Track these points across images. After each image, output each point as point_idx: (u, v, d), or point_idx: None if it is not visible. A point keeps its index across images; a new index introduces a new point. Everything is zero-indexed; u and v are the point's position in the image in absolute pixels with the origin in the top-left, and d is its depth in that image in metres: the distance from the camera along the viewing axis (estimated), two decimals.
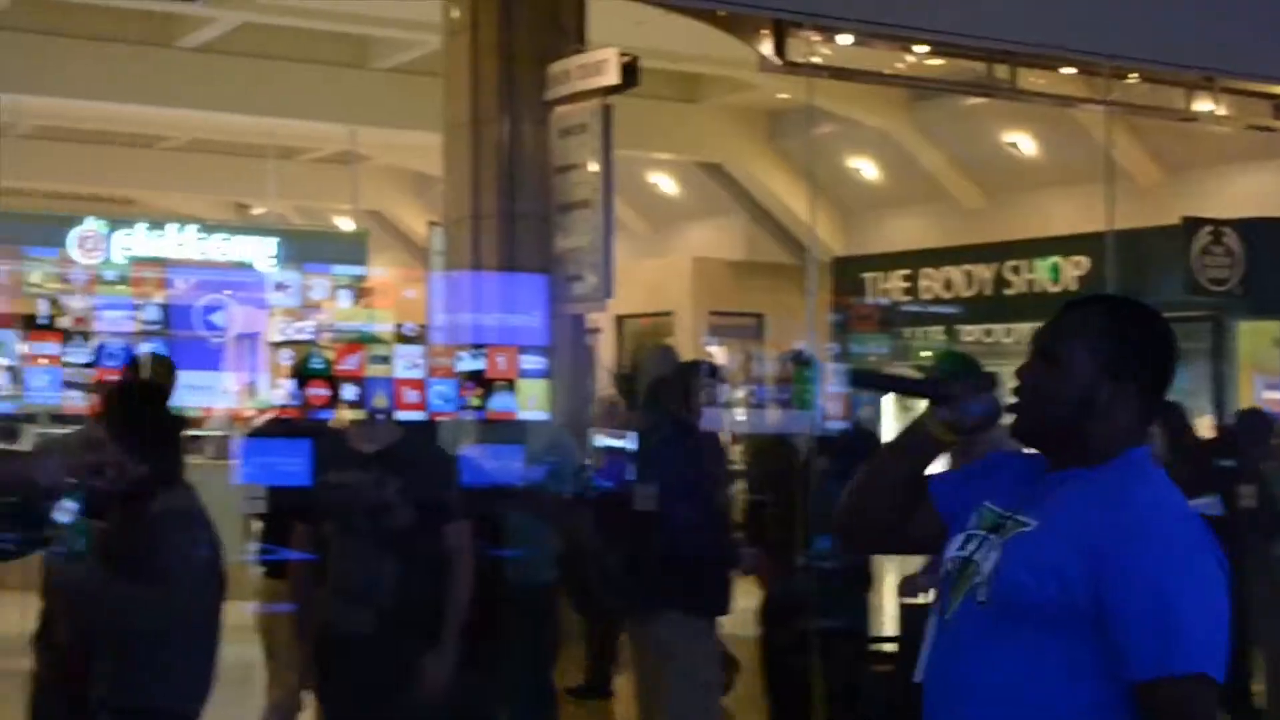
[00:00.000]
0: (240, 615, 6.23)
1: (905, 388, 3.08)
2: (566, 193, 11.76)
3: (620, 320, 21.41)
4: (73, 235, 17.90)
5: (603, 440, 6.60)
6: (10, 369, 16.90)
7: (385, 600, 5.41)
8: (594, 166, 11.51)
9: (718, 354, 19.41)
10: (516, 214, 11.92)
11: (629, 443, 6.56)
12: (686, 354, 19.72)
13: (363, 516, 5.46)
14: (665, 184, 23.15)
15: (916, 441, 3.11)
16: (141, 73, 17.91)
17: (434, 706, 5.44)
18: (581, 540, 6.39)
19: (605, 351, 21.14)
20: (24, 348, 16.62)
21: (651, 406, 6.90)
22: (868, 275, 19.10)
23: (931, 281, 18.61)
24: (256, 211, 26.71)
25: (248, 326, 18.63)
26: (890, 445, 3.24)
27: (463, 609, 5.45)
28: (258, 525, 7.00)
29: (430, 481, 5.49)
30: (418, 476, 5.44)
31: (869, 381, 2.84)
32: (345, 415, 6.69)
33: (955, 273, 18.43)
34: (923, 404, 3.06)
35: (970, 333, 17.96)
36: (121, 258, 18.11)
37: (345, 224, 24.73)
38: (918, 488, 3.15)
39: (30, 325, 17.53)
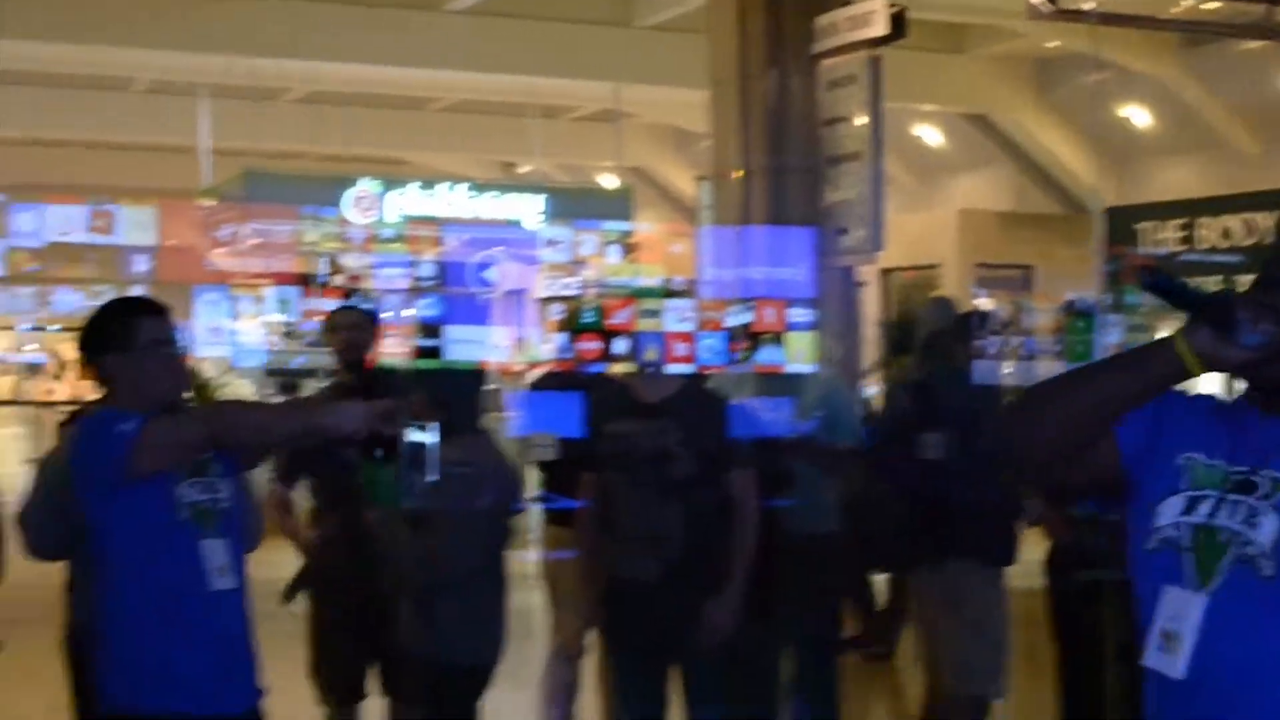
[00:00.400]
0: (520, 563, 6.36)
1: (1189, 299, 2.58)
2: (835, 145, 11.71)
3: (886, 273, 21.22)
4: (348, 196, 18.42)
5: (874, 391, 6.56)
6: (290, 325, 17.49)
7: (669, 548, 5.47)
8: (862, 119, 11.44)
9: (986, 306, 19.13)
10: (784, 168, 11.91)
11: (903, 394, 6.50)
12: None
13: (647, 465, 5.52)
14: (930, 136, 22.88)
15: (1160, 362, 2.58)
16: (411, 36, 18.28)
17: (716, 653, 5.50)
18: (865, 490, 6.37)
19: (871, 304, 21.01)
20: (304, 305, 17.17)
21: (929, 356, 6.85)
22: (1141, 225, 18.60)
23: (1208, 231, 18.06)
24: (522, 170, 27.12)
25: (518, 282, 18.96)
26: (1124, 359, 2.76)
27: (747, 556, 5.49)
28: (538, 475, 7.13)
29: (712, 430, 5.53)
30: (699, 426, 5.48)
31: (1161, 284, 2.36)
32: (617, 368, 6.78)
33: (1233, 221, 17.85)
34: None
35: (1248, 283, 17.36)
36: (395, 217, 18.58)
37: (609, 181, 24.98)
38: (1116, 418, 2.66)
39: (309, 283, 18.12)
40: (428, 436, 5.35)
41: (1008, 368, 15.13)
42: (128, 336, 3.98)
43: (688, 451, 5.43)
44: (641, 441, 5.53)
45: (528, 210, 19.44)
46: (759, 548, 5.90)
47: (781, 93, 11.81)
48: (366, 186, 18.82)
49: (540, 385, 7.59)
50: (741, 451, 5.56)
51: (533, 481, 7.31)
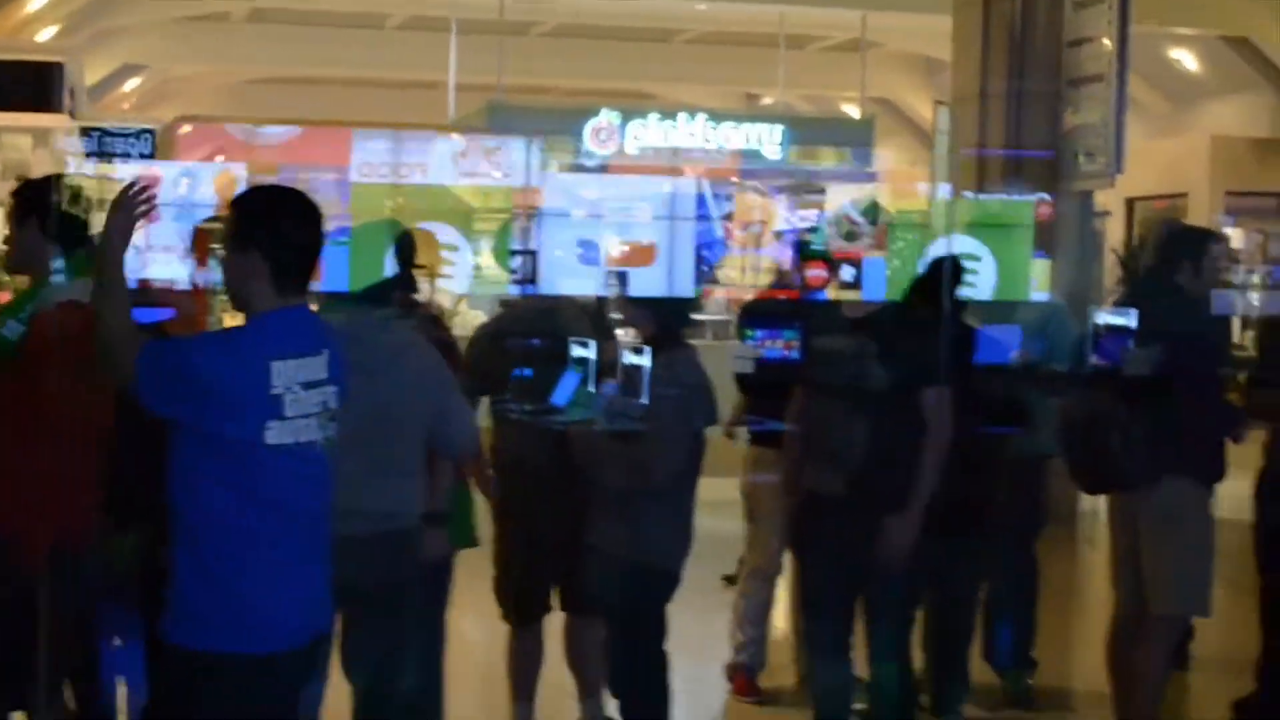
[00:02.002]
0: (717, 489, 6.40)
1: None
2: (1077, 68, 11.42)
3: (1131, 203, 20.68)
4: (588, 127, 18.57)
5: (1105, 317, 6.39)
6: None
7: (857, 463, 5.45)
8: (1108, 40, 11.12)
9: (1234, 236, 18.51)
10: (1025, 91, 11.67)
11: (1131, 319, 6.34)
12: None
13: (841, 380, 5.52)
14: (1186, 60, 22.12)
15: None
16: None
17: (897, 572, 5.46)
18: (1081, 413, 6.25)
19: (1115, 233, 20.48)
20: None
21: (1154, 275, 6.67)
22: None
23: None
24: (766, 102, 26.99)
25: (759, 214, 18.92)
26: None
27: (933, 475, 5.42)
28: (740, 398, 7.15)
29: (910, 350, 5.48)
30: (897, 344, 5.44)
31: None
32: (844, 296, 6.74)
33: None
34: None
35: None
36: (634, 148, 18.68)
37: (853, 112, 24.72)
38: None
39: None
40: (641, 359, 5.47)
41: (1255, 299, 14.69)
42: None
43: (883, 367, 5.39)
44: (836, 357, 5.52)
45: (766, 140, 19.35)
46: (968, 469, 5.85)
47: (1026, 14, 11.58)
48: (606, 117, 18.93)
49: (750, 309, 7.58)
50: (936, 370, 5.49)
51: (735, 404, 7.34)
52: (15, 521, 4.32)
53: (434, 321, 6.12)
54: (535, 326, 6.19)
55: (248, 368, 3.72)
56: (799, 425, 5.76)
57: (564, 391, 5.94)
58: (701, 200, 17.45)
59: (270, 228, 3.80)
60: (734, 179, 19.65)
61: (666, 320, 5.64)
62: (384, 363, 4.51)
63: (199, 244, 6.29)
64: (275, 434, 3.76)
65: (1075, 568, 7.55)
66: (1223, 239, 7.24)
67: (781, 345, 6.30)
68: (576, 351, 5.97)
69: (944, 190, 11.76)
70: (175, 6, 21.77)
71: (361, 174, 16.86)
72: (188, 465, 3.75)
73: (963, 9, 11.92)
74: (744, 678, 7.51)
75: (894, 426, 5.39)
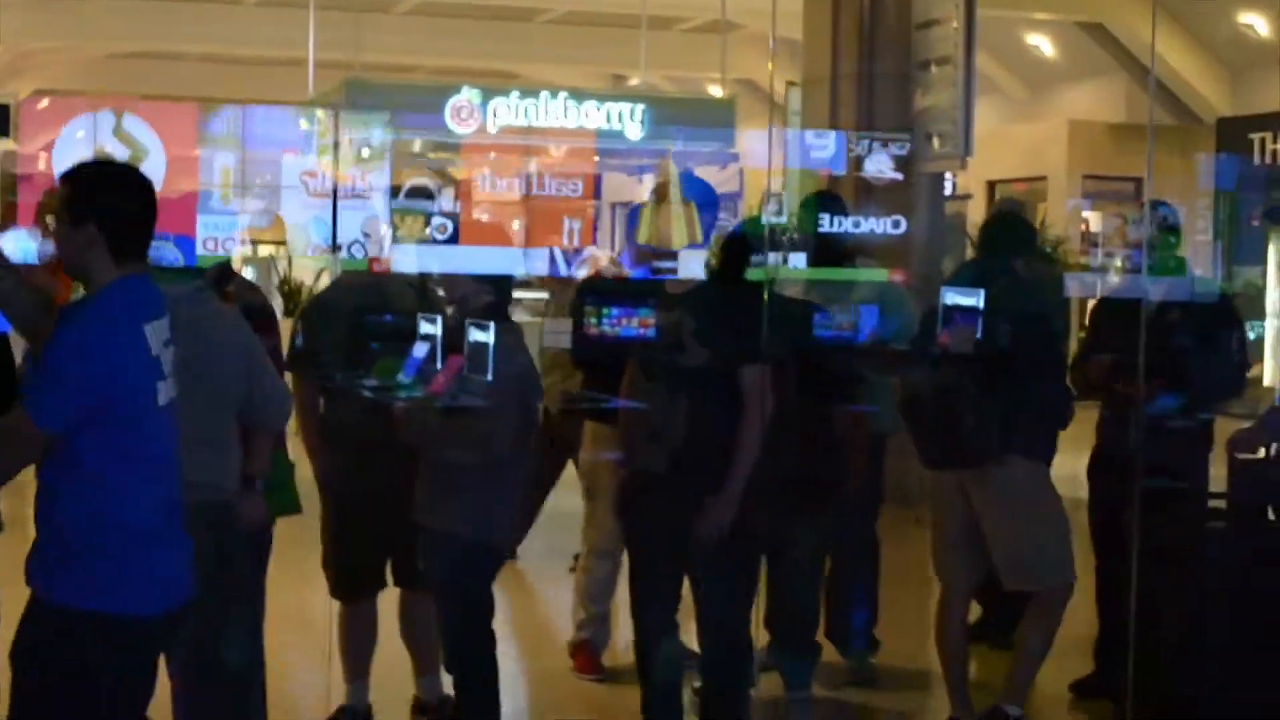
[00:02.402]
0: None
1: None
2: (926, 49, 11.52)
3: (992, 186, 20.93)
4: (449, 105, 18.43)
5: (954, 297, 6.45)
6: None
7: (677, 441, 5.47)
8: (956, 22, 11.22)
9: (1092, 219, 18.83)
10: (875, 73, 11.74)
11: (976, 299, 6.41)
12: (1058, 219, 19.24)
13: (660, 356, 5.54)
14: (1043, 45, 22.44)
15: None
16: None
17: (717, 547, 5.48)
18: (927, 389, 6.32)
19: (977, 216, 20.73)
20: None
21: (982, 251, 6.76)
22: (1255, 136, 18.15)
23: None
24: (632, 83, 26.99)
25: (618, 194, 18.85)
26: None
27: (749, 453, 5.44)
28: (580, 375, 7.16)
29: (729, 326, 5.49)
30: (714, 319, 5.45)
31: None
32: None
33: None
34: None
35: None
36: (494, 128, 18.57)
37: (717, 93, 24.78)
38: None
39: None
40: (485, 335, 5.45)
41: (1114, 279, 14.89)
42: None
43: (700, 346, 5.41)
44: (661, 333, 5.54)
45: (629, 120, 19.31)
46: (810, 445, 5.89)
47: None
48: (467, 95, 18.78)
49: (583, 288, 7.57)
50: (753, 348, 5.51)
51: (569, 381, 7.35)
52: None
53: (251, 289, 6.07)
54: (364, 300, 6.14)
55: (130, 336, 3.80)
56: (628, 402, 5.78)
57: (412, 366, 5.91)
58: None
59: (104, 200, 3.89)
60: (594, 160, 19.67)
61: (493, 296, 5.62)
62: (192, 332, 4.47)
63: (39, 217, 6.23)
64: (163, 394, 3.89)
65: (914, 547, 7.61)
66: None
67: (637, 323, 6.29)
68: (424, 328, 5.95)
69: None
70: None
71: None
72: (75, 442, 3.78)
73: None
74: (586, 655, 7.51)
75: (713, 404, 5.40)
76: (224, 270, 5.81)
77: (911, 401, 6.48)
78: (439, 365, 5.79)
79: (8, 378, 4.93)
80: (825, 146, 10.50)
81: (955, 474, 6.23)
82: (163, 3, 22.91)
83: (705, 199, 6.34)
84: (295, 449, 5.97)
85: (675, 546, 5.52)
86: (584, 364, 6.82)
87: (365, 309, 6.23)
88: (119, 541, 3.82)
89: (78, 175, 3.98)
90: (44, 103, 26.38)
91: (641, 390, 5.63)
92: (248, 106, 18.37)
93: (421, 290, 6.27)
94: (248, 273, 10.14)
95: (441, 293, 6.06)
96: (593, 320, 6.32)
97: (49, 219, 4.10)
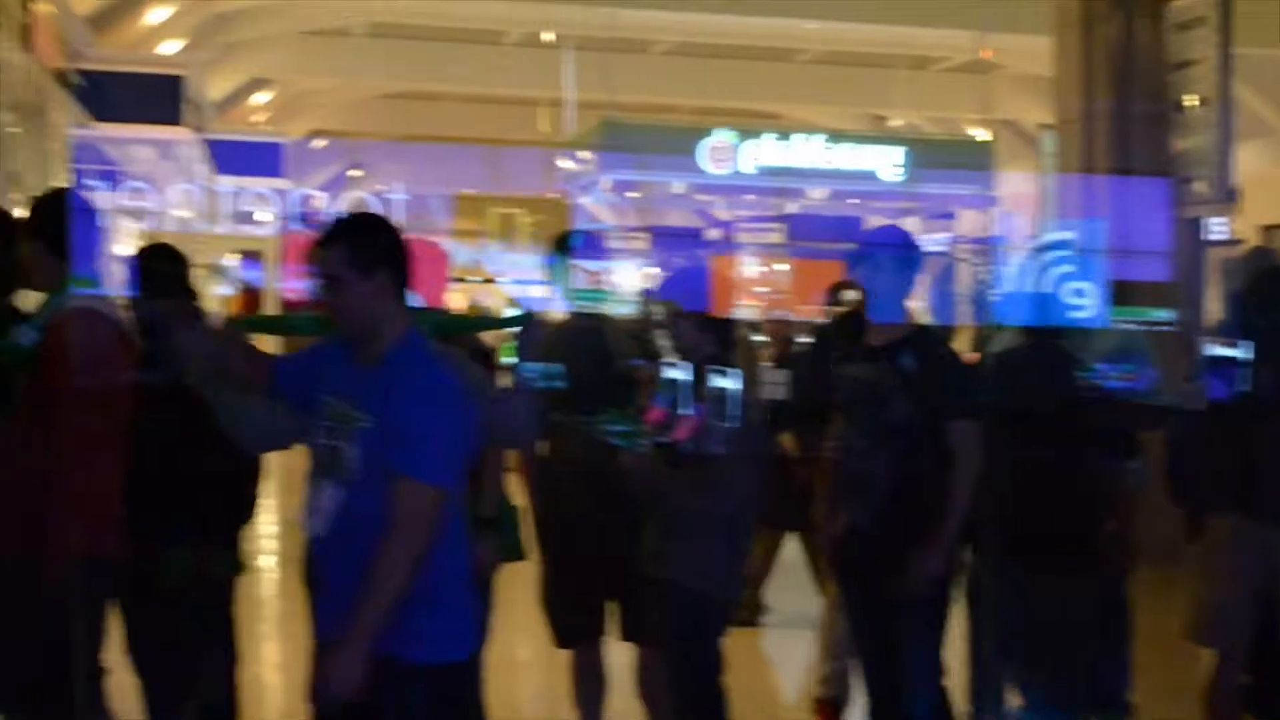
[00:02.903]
0: None
1: None
2: (1183, 89, 11.13)
3: (1269, 230, 20.16)
4: (703, 146, 18.54)
5: (1216, 349, 6.15)
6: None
7: (885, 495, 5.30)
8: (1212, 62, 10.83)
9: None
10: (1130, 114, 11.40)
11: (1243, 351, 6.10)
12: None
13: (866, 409, 5.38)
14: None
15: None
16: None
17: (922, 602, 5.30)
18: (1199, 438, 6.01)
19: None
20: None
21: (1234, 308, 6.43)
22: None
23: None
24: (892, 123, 26.78)
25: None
26: None
27: (958, 510, 5.25)
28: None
29: (936, 378, 5.31)
30: (922, 372, 5.28)
31: None
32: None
33: None
34: None
35: None
36: (751, 168, 18.62)
37: (979, 134, 24.43)
38: None
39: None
40: (730, 382, 5.37)
41: None
42: None
43: (906, 398, 5.24)
44: (859, 385, 5.38)
45: (885, 162, 19.17)
46: (1071, 500, 5.69)
47: (1128, 36, 11.30)
48: (722, 137, 18.86)
49: (834, 331, 7.41)
50: (964, 402, 5.31)
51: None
52: (39, 532, 4.30)
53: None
54: (589, 342, 6.09)
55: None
56: (834, 455, 5.63)
57: (651, 412, 5.83)
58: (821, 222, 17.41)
59: (394, 250, 3.74)
60: (852, 201, 19.55)
61: (714, 348, 5.52)
62: None
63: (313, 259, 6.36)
64: None
65: (1169, 609, 7.28)
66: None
67: None
68: (667, 373, 5.88)
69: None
70: (297, 20, 22.03)
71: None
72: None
73: (1063, 31, 11.69)
74: (829, 711, 7.35)
75: (921, 459, 5.24)
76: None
77: (1177, 450, 6.14)
78: (678, 411, 5.71)
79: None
80: None
81: (1261, 528, 5.89)
82: (429, 44, 23.47)
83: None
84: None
85: (885, 601, 5.37)
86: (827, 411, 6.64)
87: (591, 351, 6.18)
88: (464, 590, 3.81)
89: (367, 225, 3.83)
90: (317, 142, 27.39)
91: (848, 443, 5.49)
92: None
93: (645, 335, 6.20)
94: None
95: (667, 339, 5.97)
96: (861, 365, 6.17)
97: (327, 263, 3.87)
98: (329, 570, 3.72)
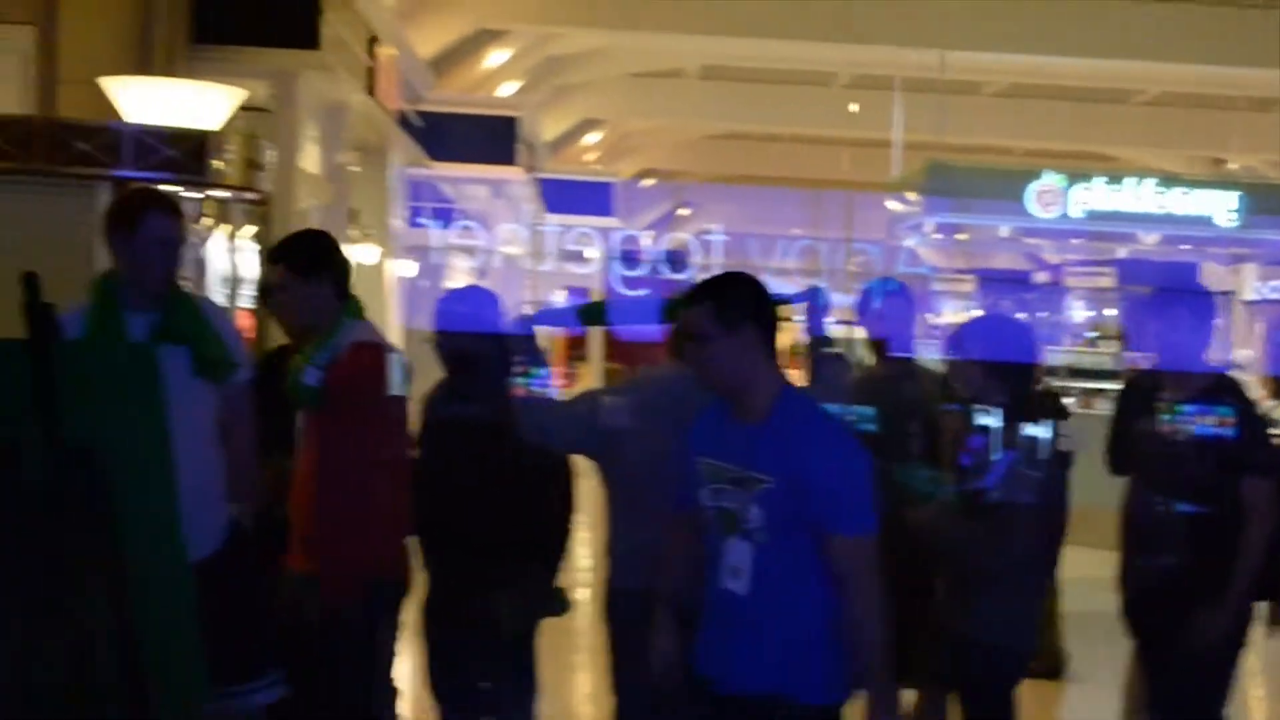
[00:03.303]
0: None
1: None
2: None
3: None
4: (1030, 190, 18.24)
5: None
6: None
7: (1178, 550, 5.15)
8: None
9: None
10: None
11: None
12: None
13: (1164, 463, 5.23)
14: None
15: None
16: (1112, 27, 17.84)
17: (1208, 660, 5.12)
18: None
19: None
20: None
21: None
22: None
23: None
24: (1231, 166, 25.92)
25: (1218, 283, 18.10)
26: None
27: (1250, 568, 5.06)
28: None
29: (1238, 432, 5.13)
30: (1224, 426, 5.10)
31: None
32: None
33: None
34: None
35: None
36: (1079, 212, 18.24)
37: None
38: None
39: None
40: (1041, 430, 5.29)
41: None
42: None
43: (1206, 453, 5.07)
44: (1157, 438, 5.22)
45: (1220, 207, 18.56)
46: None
47: None
48: (1050, 180, 18.54)
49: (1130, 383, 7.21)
50: (1261, 458, 5.11)
51: None
52: (332, 556, 4.47)
53: None
54: (893, 388, 6.06)
55: None
56: (1131, 508, 5.48)
57: (998, 470, 5.73)
58: (1155, 269, 16.93)
59: (759, 304, 3.76)
60: (1186, 247, 18.99)
61: (1005, 397, 5.43)
62: None
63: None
64: None
65: None
66: None
67: (1215, 422, 5.95)
68: (981, 420, 5.80)
69: None
70: (630, 63, 22.46)
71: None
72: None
73: None
74: None
75: (1214, 514, 5.08)
76: None
77: None
78: (992, 457, 5.63)
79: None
80: None
81: None
82: (757, 85, 23.69)
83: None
84: None
85: (1176, 656, 5.22)
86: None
87: (902, 396, 6.15)
88: (840, 633, 3.81)
89: (730, 282, 3.83)
90: (645, 182, 27.79)
91: (1139, 499, 5.35)
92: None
93: (944, 381, 6.14)
94: None
95: (958, 384, 5.90)
96: (1164, 417, 6.01)
97: (692, 321, 3.93)
98: (741, 624, 3.75)
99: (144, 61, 9.23)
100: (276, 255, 4.70)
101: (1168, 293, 5.46)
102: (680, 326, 3.91)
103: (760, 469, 3.63)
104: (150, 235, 4.23)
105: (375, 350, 4.48)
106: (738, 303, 3.71)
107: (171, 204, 4.38)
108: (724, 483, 3.68)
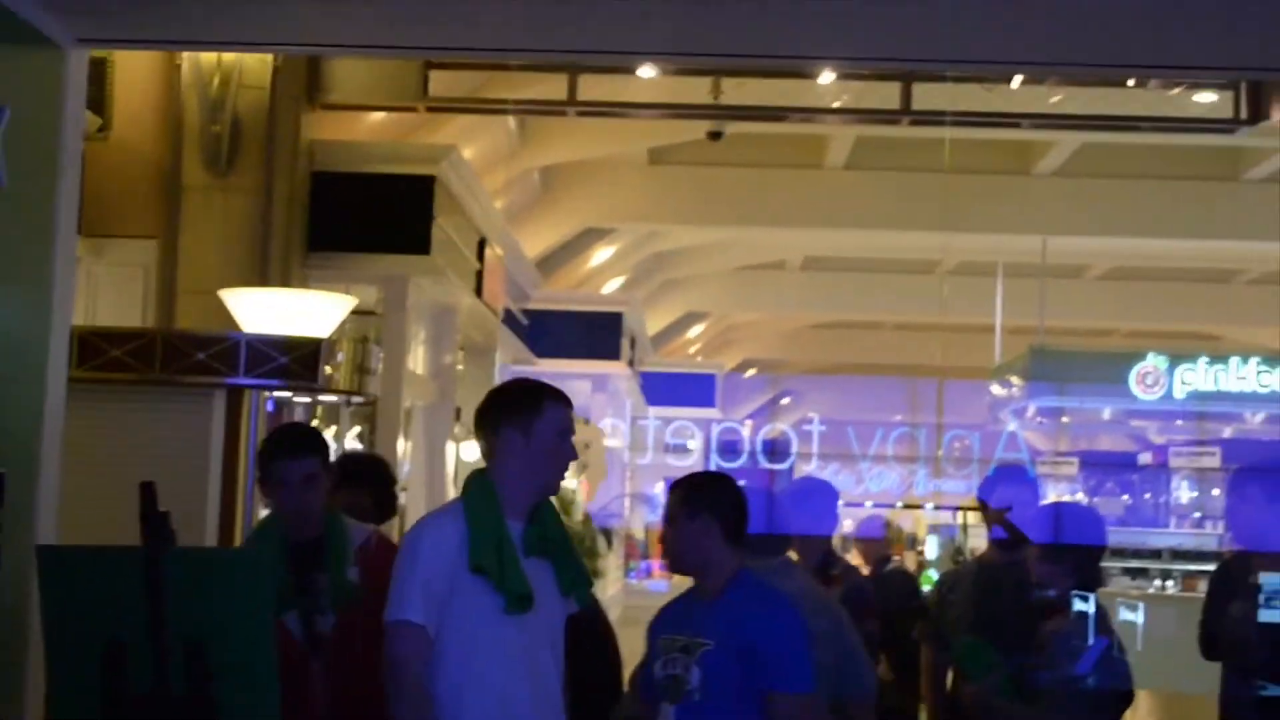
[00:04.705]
0: None
1: None
2: None
3: None
4: (1133, 371, 18.28)
5: None
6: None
7: None
8: None
9: None
10: None
11: None
12: None
13: (1249, 650, 5.21)
14: None
15: None
16: (1211, 207, 17.94)
17: None
18: None
19: None
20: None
21: None
22: None
23: None
24: None
25: None
26: None
27: None
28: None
29: None
30: None
31: None
32: None
33: None
34: None
35: None
36: (1183, 393, 18.24)
37: None
38: None
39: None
40: (1135, 615, 5.35)
41: None
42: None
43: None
44: (1241, 623, 5.21)
45: None
46: None
47: None
48: (1152, 362, 18.56)
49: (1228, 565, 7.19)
50: None
51: None
52: None
53: (851, 571, 6.17)
54: (989, 576, 6.09)
55: None
56: (1225, 697, 5.46)
57: (1090, 657, 5.74)
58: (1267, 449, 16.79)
59: (723, 499, 4.32)
60: None
61: (1071, 580, 5.44)
62: None
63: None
64: None
65: None
66: None
67: None
68: (1078, 605, 5.82)
69: None
70: (735, 258, 22.80)
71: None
72: None
73: None
74: None
75: None
76: (825, 555, 5.81)
77: None
78: (1088, 642, 5.65)
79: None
80: None
81: None
82: (859, 274, 23.93)
83: None
84: None
85: None
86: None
87: (1009, 585, 6.16)
88: None
89: (704, 480, 4.46)
90: (748, 372, 27.83)
91: (1234, 682, 5.33)
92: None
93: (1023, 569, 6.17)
94: None
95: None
96: (1260, 599, 6.00)
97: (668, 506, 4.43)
98: None
99: (261, 271, 9.58)
100: None
101: (1255, 471, 5.47)
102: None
103: (706, 636, 4.12)
104: (551, 431, 3.96)
105: (392, 546, 4.48)
106: (699, 495, 4.28)
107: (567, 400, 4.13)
108: (675, 652, 4.14)
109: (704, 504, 4.24)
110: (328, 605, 4.31)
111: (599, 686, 4.91)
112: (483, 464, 4.04)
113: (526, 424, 3.91)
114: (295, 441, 4.50)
